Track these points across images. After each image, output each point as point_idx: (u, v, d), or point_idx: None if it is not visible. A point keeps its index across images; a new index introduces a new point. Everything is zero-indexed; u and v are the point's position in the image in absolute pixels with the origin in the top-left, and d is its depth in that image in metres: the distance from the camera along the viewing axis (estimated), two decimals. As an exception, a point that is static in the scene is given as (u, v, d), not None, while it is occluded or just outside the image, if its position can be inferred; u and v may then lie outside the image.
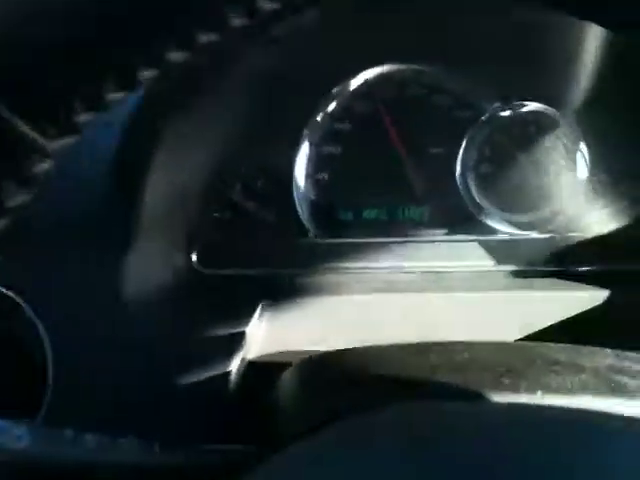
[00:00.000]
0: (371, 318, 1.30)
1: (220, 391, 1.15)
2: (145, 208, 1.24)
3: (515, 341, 1.11)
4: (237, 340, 1.18)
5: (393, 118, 1.43)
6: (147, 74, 0.38)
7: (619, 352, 0.77)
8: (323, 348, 1.11)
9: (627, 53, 1.15)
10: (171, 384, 1.15)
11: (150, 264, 1.29)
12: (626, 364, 0.72)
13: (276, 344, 1.27)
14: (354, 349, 0.91)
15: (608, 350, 0.78)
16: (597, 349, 0.79)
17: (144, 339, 1.18)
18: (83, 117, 0.37)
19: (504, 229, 1.44)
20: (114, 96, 0.37)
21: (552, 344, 0.83)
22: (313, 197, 1.47)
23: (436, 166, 1.45)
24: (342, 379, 0.82)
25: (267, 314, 1.29)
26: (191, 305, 1.32)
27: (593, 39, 1.17)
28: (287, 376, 0.92)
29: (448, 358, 0.80)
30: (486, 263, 1.43)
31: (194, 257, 1.44)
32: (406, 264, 1.44)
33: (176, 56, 0.38)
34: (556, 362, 0.74)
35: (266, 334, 1.27)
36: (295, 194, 1.46)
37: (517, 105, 1.42)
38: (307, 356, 0.95)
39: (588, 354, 0.78)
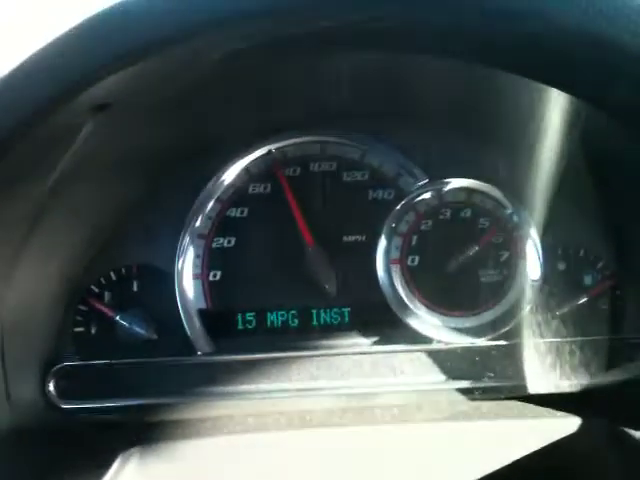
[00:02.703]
0: (270, 469, 1.01)
1: None
2: None
3: None
4: None
5: (297, 201, 1.14)
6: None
7: None
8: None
9: (590, 131, 0.87)
10: None
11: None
12: None
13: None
14: None
15: None
16: None
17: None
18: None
19: (442, 337, 1.14)
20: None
21: None
22: (203, 303, 1.16)
23: (353, 258, 1.16)
24: None
25: (132, 466, 0.97)
26: (31, 458, 0.99)
27: (552, 109, 0.88)
28: None
29: None
30: (423, 380, 1.15)
31: (51, 386, 1.11)
32: (322, 384, 1.14)
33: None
34: None
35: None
36: (179, 300, 1.15)
37: (448, 182, 1.13)
38: None
39: None
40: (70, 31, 0.66)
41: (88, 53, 0.65)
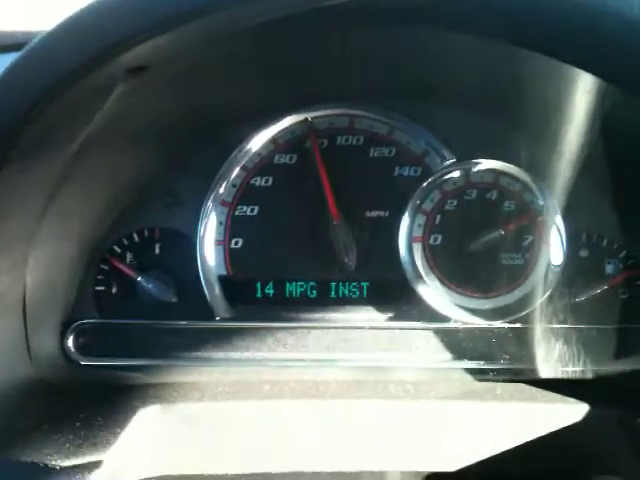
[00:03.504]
0: (284, 436, 1.02)
1: None
2: None
3: None
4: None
5: (323, 173, 1.13)
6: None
7: None
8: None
9: (617, 115, 0.86)
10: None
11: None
12: None
13: (157, 465, 0.98)
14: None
15: None
16: None
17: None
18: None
19: (459, 317, 1.14)
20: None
21: None
22: (223, 269, 1.17)
23: (375, 234, 1.16)
24: None
25: (148, 424, 0.99)
26: (50, 411, 1.00)
27: (581, 94, 0.87)
28: None
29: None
30: (438, 358, 1.16)
31: (69, 342, 1.12)
32: (337, 356, 1.15)
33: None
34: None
35: (147, 452, 0.98)
36: (200, 266, 1.15)
37: (476, 163, 1.12)
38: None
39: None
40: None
41: (127, 16, 0.65)
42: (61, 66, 0.67)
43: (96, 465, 0.86)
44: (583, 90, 0.84)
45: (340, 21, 0.77)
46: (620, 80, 0.70)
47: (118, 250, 1.16)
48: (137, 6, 0.65)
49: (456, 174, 1.15)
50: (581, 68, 0.71)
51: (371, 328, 1.16)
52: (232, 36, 0.76)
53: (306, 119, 1.15)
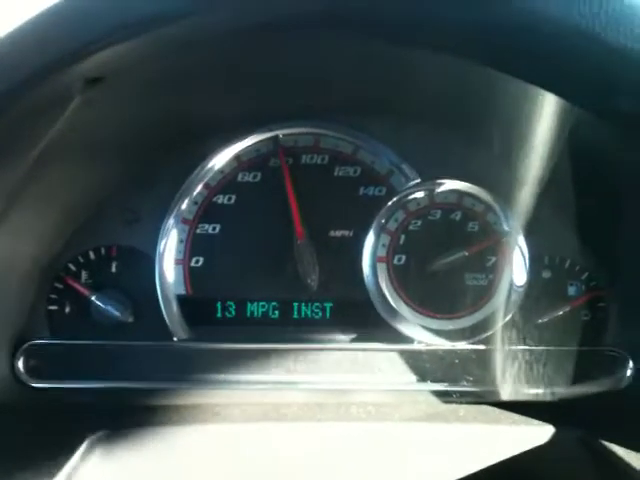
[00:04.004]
0: (241, 461, 0.99)
1: None
2: None
3: None
4: None
5: (290, 192, 1.11)
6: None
7: None
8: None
9: (581, 137, 0.86)
10: None
11: None
12: None
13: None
14: None
15: None
16: None
17: None
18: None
19: (423, 337, 1.12)
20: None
21: None
22: (183, 289, 1.13)
23: (338, 254, 1.14)
24: None
25: (99, 450, 0.94)
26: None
27: (546, 116, 0.87)
28: None
29: None
30: (401, 380, 1.14)
31: (20, 363, 1.07)
32: (299, 378, 1.13)
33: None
34: None
35: (94, 478, 0.93)
36: (158, 285, 1.12)
37: (439, 184, 1.12)
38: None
39: None
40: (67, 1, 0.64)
41: (83, 24, 0.63)
42: (15, 73, 0.65)
43: None
44: (548, 111, 0.84)
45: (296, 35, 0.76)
46: (584, 101, 0.70)
47: (73, 268, 1.12)
48: (93, 14, 0.63)
49: (420, 194, 1.14)
50: (547, 89, 0.71)
51: (334, 349, 1.14)
52: (192, 48, 0.75)
53: (275, 137, 1.14)
